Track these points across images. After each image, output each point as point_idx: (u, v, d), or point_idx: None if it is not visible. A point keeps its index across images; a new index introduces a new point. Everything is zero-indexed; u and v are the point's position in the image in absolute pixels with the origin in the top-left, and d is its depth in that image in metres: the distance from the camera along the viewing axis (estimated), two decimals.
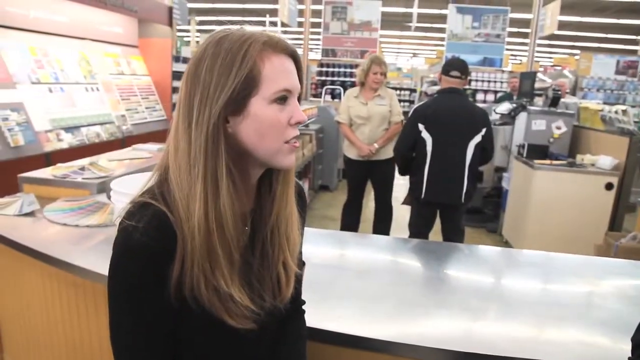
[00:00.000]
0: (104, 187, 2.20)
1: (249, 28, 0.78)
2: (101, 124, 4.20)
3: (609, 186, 3.99)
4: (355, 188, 4.12)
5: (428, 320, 1.32)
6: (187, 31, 16.00)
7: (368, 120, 3.87)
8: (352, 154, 3.99)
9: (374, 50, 8.24)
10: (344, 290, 1.49)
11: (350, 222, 4.16)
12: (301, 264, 1.00)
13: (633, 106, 6.19)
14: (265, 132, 0.77)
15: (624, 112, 4.54)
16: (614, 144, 4.17)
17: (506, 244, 4.57)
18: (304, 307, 1.06)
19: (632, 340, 0.93)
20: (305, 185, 4.89)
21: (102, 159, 2.60)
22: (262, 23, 9.76)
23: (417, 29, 14.05)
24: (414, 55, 20.02)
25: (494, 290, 1.67)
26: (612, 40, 17.13)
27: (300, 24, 8.54)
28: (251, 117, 0.76)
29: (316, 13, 9.05)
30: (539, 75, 10.68)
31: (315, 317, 1.13)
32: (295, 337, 1.00)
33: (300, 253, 0.98)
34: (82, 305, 1.59)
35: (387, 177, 4.03)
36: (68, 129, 3.77)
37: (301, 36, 8.07)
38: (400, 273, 1.76)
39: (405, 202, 3.60)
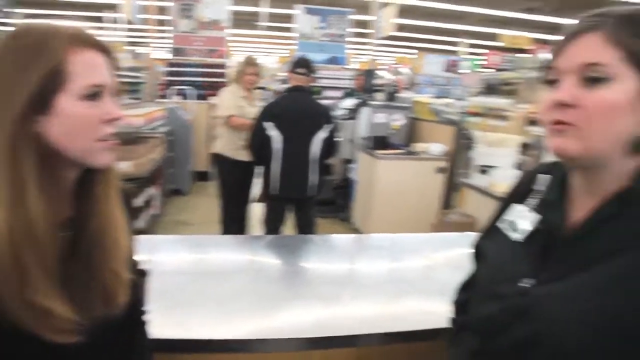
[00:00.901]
0: None
1: (58, 22, 0.73)
2: None
3: (440, 170, 4.50)
4: (238, 193, 3.88)
5: (283, 313, 1.35)
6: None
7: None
8: (239, 155, 3.71)
9: (224, 50, 8.17)
10: (198, 295, 1.43)
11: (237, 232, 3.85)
12: (140, 272, 0.95)
13: (457, 99, 7.03)
14: (75, 130, 0.71)
15: (449, 104, 5.14)
16: (443, 132, 4.70)
17: (356, 231, 4.84)
18: (146, 316, 0.99)
19: (453, 302, 1.06)
20: (156, 191, 4.68)
21: None
22: (99, 19, 9.05)
23: (268, 28, 14.21)
24: (268, 54, 20.19)
25: (347, 275, 1.76)
26: (442, 42, 19.14)
27: (144, 21, 8.12)
28: (59, 115, 0.69)
29: (162, 10, 8.68)
30: (382, 72, 11.55)
31: (165, 326, 1.09)
32: (133, 348, 0.93)
33: (135, 259, 0.94)
34: None
35: None
36: None
37: (146, 34, 7.68)
38: (257, 270, 1.76)
39: (260, 200, 3.67)
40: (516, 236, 0.85)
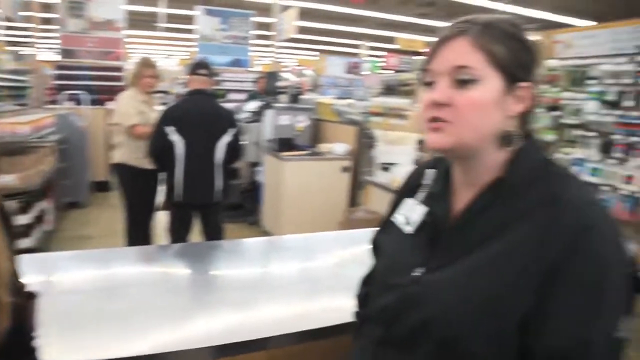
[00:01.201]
0: None
1: None
2: None
3: (344, 169, 4.63)
4: (143, 202, 3.65)
5: (192, 324, 1.31)
6: None
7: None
8: (142, 163, 3.46)
9: (120, 52, 7.77)
10: (98, 313, 1.33)
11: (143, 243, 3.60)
12: (27, 294, 0.88)
13: (359, 100, 7.29)
14: None
15: (351, 105, 5.32)
16: (346, 132, 4.85)
17: (266, 234, 4.84)
18: (36, 342, 0.91)
19: (356, 296, 1.10)
20: (48, 205, 4.34)
21: None
22: None
23: (168, 29, 13.73)
24: (168, 56, 19.53)
25: (257, 279, 1.75)
26: (341, 44, 19.69)
27: (27, 19, 7.47)
28: None
29: (47, 8, 8.05)
30: (286, 74, 11.64)
31: (62, 350, 1.02)
32: None
33: (20, 282, 0.86)
34: None
35: None
36: None
37: (29, 33, 7.06)
38: (164, 282, 1.69)
39: (163, 208, 3.52)
40: (408, 229, 0.91)
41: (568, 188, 0.76)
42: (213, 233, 3.31)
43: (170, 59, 18.83)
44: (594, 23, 6.99)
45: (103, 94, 6.93)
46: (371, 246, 1.07)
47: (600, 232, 0.72)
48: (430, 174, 0.94)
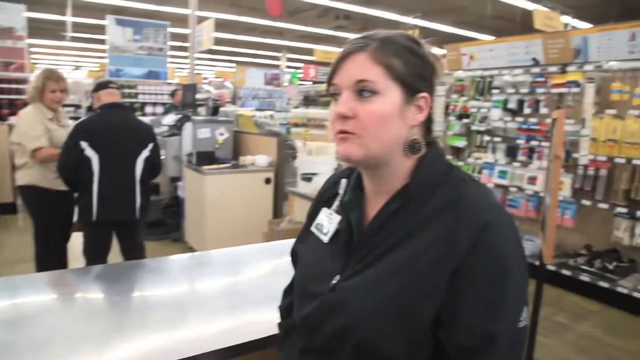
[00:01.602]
0: None
1: None
2: None
3: (267, 180, 4.64)
4: (57, 225, 3.34)
5: (110, 350, 1.24)
6: None
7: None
8: (54, 184, 3.19)
9: (24, 62, 7.27)
10: (7, 347, 1.22)
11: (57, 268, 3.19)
12: None
13: (279, 111, 7.34)
14: None
15: (271, 116, 5.35)
16: (267, 144, 4.86)
17: (191, 250, 4.74)
18: None
19: (278, 307, 1.11)
20: None
21: None
22: None
23: (76, 39, 13.05)
24: (77, 67, 18.52)
25: (183, 297, 1.70)
26: (261, 56, 19.75)
27: None
28: None
29: None
30: (205, 86, 11.45)
31: None
32: None
33: None
34: None
35: None
36: None
37: None
38: (80, 308, 1.58)
39: (75, 230, 3.31)
40: (324, 238, 0.93)
41: (468, 191, 0.81)
42: (133, 252, 3.17)
43: (80, 70, 17.86)
44: (493, 37, 7.55)
45: (5, 109, 6.45)
46: (291, 257, 1.09)
47: (499, 229, 0.77)
48: (344, 183, 0.96)
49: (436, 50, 0.90)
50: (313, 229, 0.98)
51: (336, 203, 0.95)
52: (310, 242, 0.98)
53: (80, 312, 1.54)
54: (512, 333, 0.76)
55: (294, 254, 1.07)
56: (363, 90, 0.81)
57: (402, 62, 0.81)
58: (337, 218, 0.93)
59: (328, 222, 0.94)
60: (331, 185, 1.01)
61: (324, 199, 1.01)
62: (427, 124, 0.88)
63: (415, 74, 0.83)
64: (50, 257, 3.32)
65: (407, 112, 0.83)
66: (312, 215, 1.01)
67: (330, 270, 0.88)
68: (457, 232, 0.76)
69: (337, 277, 0.86)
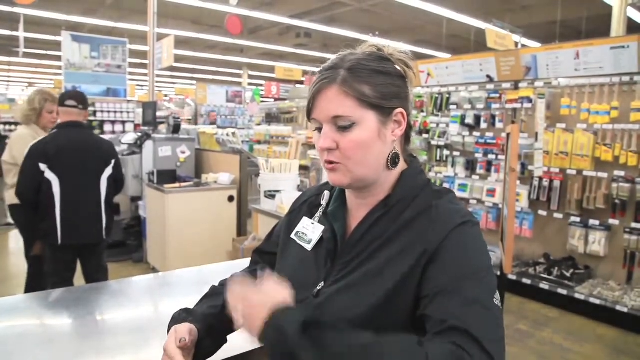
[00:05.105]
0: None
1: None
2: None
3: (230, 198, 4.60)
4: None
5: None
6: None
7: None
8: None
9: None
10: None
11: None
12: None
13: (241, 128, 7.31)
14: None
15: (233, 134, 5.32)
16: (229, 161, 4.82)
17: (154, 270, 4.63)
18: None
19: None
20: None
21: None
22: None
23: (29, 55, 12.69)
24: (30, 84, 18.00)
25: (147, 319, 1.65)
26: (222, 73, 19.71)
27: None
28: None
29: None
30: (166, 104, 11.30)
31: None
32: None
33: None
34: None
35: None
36: None
37: None
38: (38, 334, 1.50)
39: (35, 253, 3.19)
40: (307, 246, 0.97)
41: (441, 200, 0.88)
42: (96, 274, 3.08)
43: (34, 87, 17.34)
44: (449, 55, 7.81)
45: None
46: (258, 254, 1.18)
47: (468, 230, 0.84)
48: (327, 195, 1.02)
49: (404, 55, 0.93)
50: (293, 236, 1.01)
51: (318, 213, 1.00)
52: (293, 252, 1.00)
53: (38, 339, 1.46)
54: (488, 304, 0.76)
55: (261, 253, 1.17)
56: (340, 125, 0.85)
57: (372, 88, 0.85)
58: (320, 227, 0.97)
59: (311, 231, 0.98)
60: (314, 195, 1.06)
61: (306, 209, 1.05)
62: (407, 132, 0.93)
63: (387, 95, 0.86)
64: (42, 276, 3.23)
65: (386, 131, 0.87)
66: (290, 224, 1.05)
67: (314, 278, 0.92)
68: (429, 234, 0.83)
69: (322, 284, 0.90)
